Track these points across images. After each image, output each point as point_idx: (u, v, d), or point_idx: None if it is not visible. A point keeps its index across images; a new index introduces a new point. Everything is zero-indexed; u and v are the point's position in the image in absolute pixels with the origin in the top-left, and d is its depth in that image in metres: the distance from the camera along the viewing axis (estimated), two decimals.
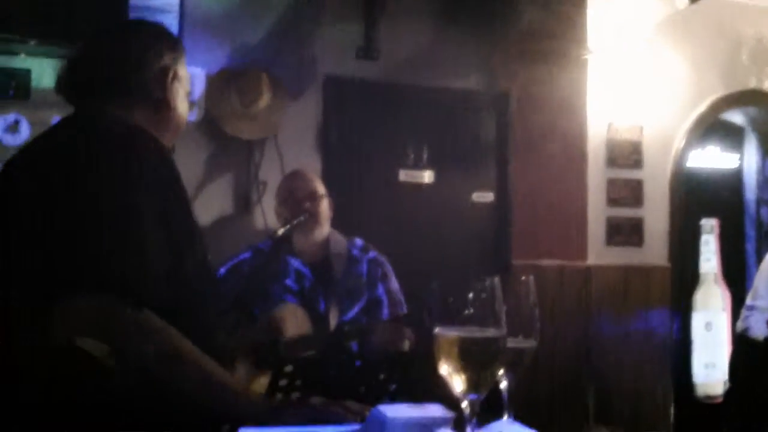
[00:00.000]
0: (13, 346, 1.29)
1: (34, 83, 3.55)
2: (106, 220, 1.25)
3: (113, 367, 1.20)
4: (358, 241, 2.94)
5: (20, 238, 1.31)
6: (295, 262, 2.79)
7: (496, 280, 1.02)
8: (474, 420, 1.03)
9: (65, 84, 1.54)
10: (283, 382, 1.92)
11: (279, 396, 1.80)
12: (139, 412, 1.22)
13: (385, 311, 2.83)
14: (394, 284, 2.91)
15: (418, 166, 4.14)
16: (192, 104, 1.73)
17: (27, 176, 1.37)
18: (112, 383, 1.21)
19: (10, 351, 1.31)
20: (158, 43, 1.57)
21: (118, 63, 1.52)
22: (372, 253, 2.91)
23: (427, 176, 4.16)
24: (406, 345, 2.59)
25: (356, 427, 1.22)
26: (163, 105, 1.55)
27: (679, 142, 4.59)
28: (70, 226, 1.25)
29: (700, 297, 4.88)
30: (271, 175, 3.75)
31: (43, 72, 3.56)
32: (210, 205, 3.64)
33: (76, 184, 1.28)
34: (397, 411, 1.17)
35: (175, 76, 1.57)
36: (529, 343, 1.22)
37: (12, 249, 1.32)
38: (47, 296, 1.21)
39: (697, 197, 4.95)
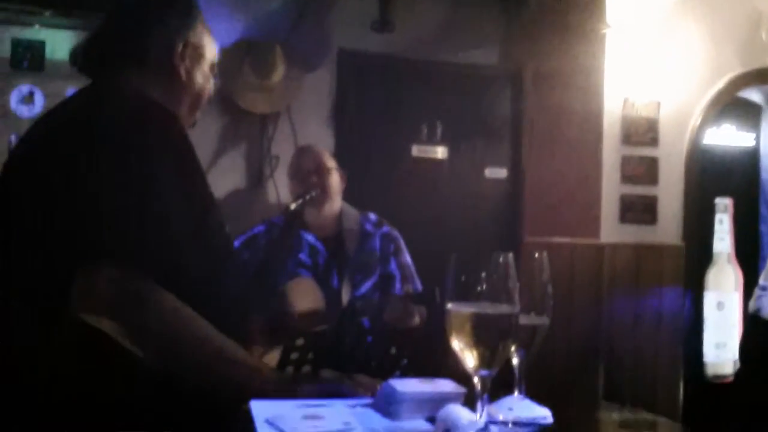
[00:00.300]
0: (32, 327, 1.29)
1: (48, 54, 3.56)
2: (122, 192, 1.24)
3: (134, 350, 1.19)
4: (372, 216, 2.94)
5: (36, 211, 1.30)
6: (308, 237, 2.80)
7: (510, 256, 1.01)
8: (485, 396, 1.03)
9: (81, 55, 1.52)
10: (294, 356, 1.93)
11: (290, 369, 1.81)
12: (153, 390, 1.22)
13: (398, 286, 2.84)
14: (407, 259, 2.91)
15: (431, 141, 4.12)
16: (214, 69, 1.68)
17: (42, 148, 1.37)
18: (136, 366, 1.20)
19: (29, 333, 1.30)
20: (174, 13, 1.54)
21: (132, 33, 1.50)
22: (385, 228, 2.91)
23: (441, 152, 4.15)
24: (417, 321, 2.59)
25: (367, 401, 1.23)
26: (174, 75, 1.52)
27: (695, 119, 4.55)
28: (85, 198, 1.24)
29: (712, 276, 4.85)
30: (284, 149, 3.75)
31: (58, 43, 3.56)
32: (223, 178, 3.65)
33: (91, 156, 1.27)
34: (407, 385, 1.17)
35: (189, 46, 1.54)
36: (542, 320, 1.22)
37: (28, 222, 1.32)
38: (63, 271, 1.20)
39: (712, 176, 4.90)
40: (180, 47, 1.52)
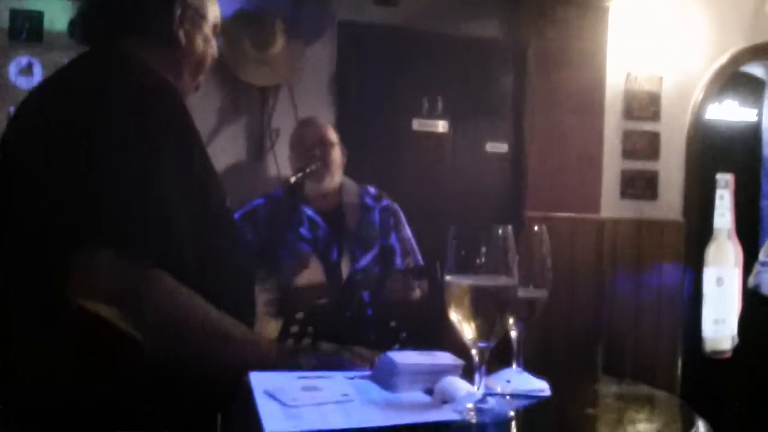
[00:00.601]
0: (29, 313, 1.27)
1: (46, 25, 3.53)
2: (118, 172, 1.20)
3: (133, 333, 1.18)
4: (371, 189, 2.93)
5: (29, 188, 1.27)
6: (308, 211, 2.80)
7: (509, 229, 1.01)
8: (483, 368, 1.03)
9: (78, 24, 1.47)
10: (294, 329, 1.93)
11: (290, 342, 1.82)
12: (153, 366, 1.21)
13: (398, 260, 2.84)
14: (407, 233, 2.91)
15: (432, 115, 4.10)
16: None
17: (36, 122, 1.33)
18: (136, 347, 1.19)
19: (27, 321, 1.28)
20: None
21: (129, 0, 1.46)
22: (385, 202, 2.91)
23: (441, 126, 4.13)
24: (418, 294, 2.60)
25: (365, 372, 1.23)
26: (173, 42, 1.47)
27: (697, 94, 4.52)
28: (79, 175, 1.20)
29: (712, 252, 4.85)
30: (284, 122, 3.73)
31: (56, 14, 3.53)
32: (223, 152, 3.63)
33: (86, 130, 1.23)
34: (406, 357, 1.17)
35: (189, 9, 1.49)
36: (541, 293, 1.22)
37: (20, 200, 1.29)
38: (59, 256, 1.17)
39: (714, 151, 4.89)
40: (178, 12, 1.47)
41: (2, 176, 1.34)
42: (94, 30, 1.47)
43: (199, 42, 1.52)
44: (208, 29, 1.55)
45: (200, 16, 1.52)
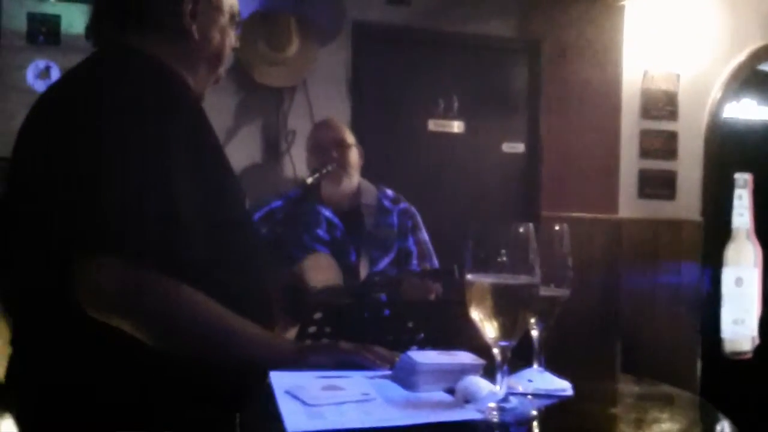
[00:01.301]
0: (41, 316, 1.26)
1: (64, 29, 3.56)
2: (127, 176, 1.17)
3: (144, 340, 1.16)
4: (389, 192, 2.93)
5: (39, 191, 1.24)
6: (326, 212, 2.79)
7: (530, 227, 1.01)
8: (505, 367, 1.02)
9: (91, 22, 1.44)
10: (312, 330, 1.93)
11: (308, 342, 1.81)
12: (170, 370, 1.20)
13: (415, 263, 2.83)
14: (424, 236, 2.90)
15: (447, 115, 4.10)
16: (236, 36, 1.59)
17: (44, 124, 1.31)
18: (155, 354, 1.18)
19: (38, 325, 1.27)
20: None
21: None
22: (403, 204, 2.90)
23: (457, 126, 4.12)
24: (434, 296, 2.60)
25: (386, 372, 1.22)
26: (186, 36, 1.43)
27: (715, 93, 4.49)
28: (90, 176, 1.16)
29: (731, 252, 4.80)
30: (300, 123, 3.74)
31: (73, 17, 3.55)
32: (238, 153, 3.64)
33: (95, 132, 1.20)
34: (426, 357, 1.17)
35: (201, 4, 1.44)
36: (562, 292, 1.21)
37: (29, 204, 1.26)
38: (63, 265, 1.14)
39: (732, 150, 4.84)
40: (189, 6, 1.43)
41: (13, 179, 1.33)
42: (107, 28, 1.44)
43: (215, 35, 1.48)
44: (224, 20, 1.51)
45: (214, 8, 1.48)
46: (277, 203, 2.82)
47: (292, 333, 2.00)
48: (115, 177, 1.16)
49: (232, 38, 1.55)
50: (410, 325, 2.32)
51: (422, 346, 2.33)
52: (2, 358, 1.32)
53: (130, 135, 1.20)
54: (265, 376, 1.16)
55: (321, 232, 2.76)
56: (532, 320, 1.18)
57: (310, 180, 2.66)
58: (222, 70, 1.55)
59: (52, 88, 1.38)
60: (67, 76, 1.37)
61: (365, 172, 2.98)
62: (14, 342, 1.33)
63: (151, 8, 1.41)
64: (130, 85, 1.26)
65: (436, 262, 2.89)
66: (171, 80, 1.36)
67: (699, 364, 4.47)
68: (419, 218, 2.91)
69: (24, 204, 1.28)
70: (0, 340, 1.35)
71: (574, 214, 4.11)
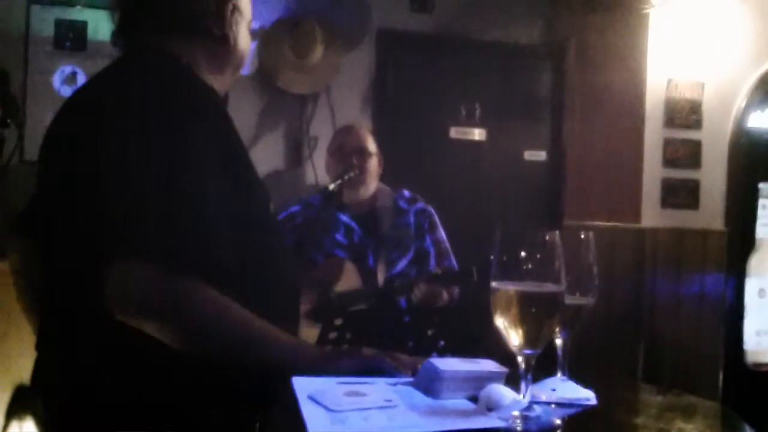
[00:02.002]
0: (71, 319, 1.27)
1: (90, 35, 3.60)
2: (156, 182, 1.17)
3: (173, 344, 1.17)
4: (406, 192, 2.93)
5: (66, 192, 1.25)
6: (343, 217, 2.80)
7: (556, 234, 1.00)
8: (529, 375, 1.02)
9: (120, 21, 1.44)
10: (332, 335, 1.94)
11: (329, 348, 1.81)
12: (195, 374, 1.21)
13: (432, 262, 2.83)
14: (442, 235, 2.90)
15: (469, 123, 4.09)
16: (253, 34, 1.61)
17: (75, 123, 1.32)
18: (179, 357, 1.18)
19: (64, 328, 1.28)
20: None
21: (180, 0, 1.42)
22: (419, 204, 2.90)
23: (478, 133, 4.11)
24: (446, 299, 2.60)
25: (408, 379, 1.22)
26: (222, 42, 1.45)
27: (740, 101, 4.45)
28: (117, 180, 1.17)
29: (755, 263, 4.76)
30: (322, 129, 3.75)
31: (99, 24, 3.59)
32: (261, 158, 3.66)
33: (125, 132, 1.20)
34: (449, 364, 1.16)
35: (236, 8, 1.46)
36: (587, 300, 1.20)
37: (59, 209, 1.27)
38: (95, 270, 1.14)
39: (757, 160, 4.79)
40: (230, 12, 1.45)
41: (41, 182, 1.34)
42: (136, 31, 1.44)
43: (242, 41, 1.50)
44: (247, 27, 1.53)
45: (241, 14, 1.49)
46: (296, 208, 2.84)
47: (311, 336, 2.01)
48: (141, 181, 1.17)
49: (248, 44, 1.56)
50: (430, 332, 2.32)
51: (442, 353, 2.33)
52: (28, 361, 1.33)
53: (157, 138, 1.20)
54: (288, 380, 1.16)
55: (339, 236, 2.77)
56: (557, 329, 1.18)
57: (332, 186, 2.67)
58: (238, 73, 1.57)
59: (80, 91, 1.39)
60: (95, 80, 1.38)
61: (386, 179, 2.98)
62: (39, 346, 1.34)
63: (191, 12, 1.42)
64: (159, 88, 1.27)
65: (454, 262, 2.89)
66: (198, 83, 1.36)
67: (721, 375, 4.42)
68: (436, 218, 2.91)
69: (52, 207, 1.29)
70: (25, 344, 1.37)
71: (597, 223, 4.09)
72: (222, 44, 1.45)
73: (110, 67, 1.38)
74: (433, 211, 2.92)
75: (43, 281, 1.33)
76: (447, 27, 3.98)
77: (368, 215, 2.84)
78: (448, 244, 2.90)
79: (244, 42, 1.51)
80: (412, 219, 2.86)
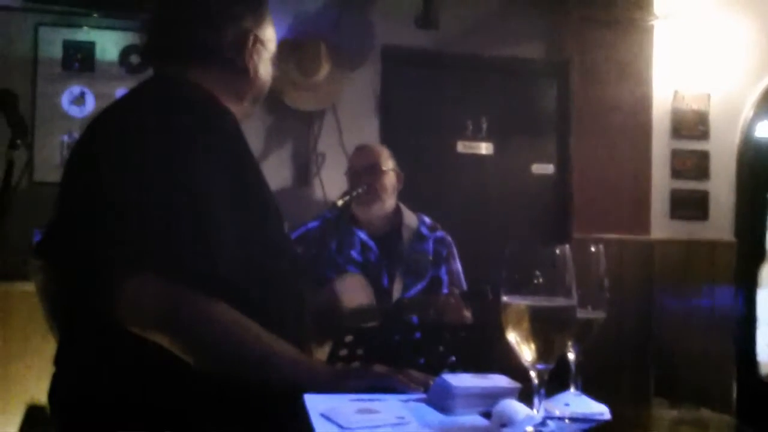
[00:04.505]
0: (84, 330, 1.28)
1: (98, 56, 3.63)
2: (172, 194, 1.19)
3: (184, 357, 1.18)
4: (427, 219, 2.92)
5: (81, 210, 1.28)
6: (361, 234, 2.80)
7: (567, 249, 1.00)
8: (542, 390, 1.01)
9: (143, 48, 1.48)
10: (343, 352, 1.93)
11: (340, 365, 1.81)
12: (207, 390, 1.21)
13: (445, 291, 2.82)
14: (458, 266, 2.89)
15: (476, 137, 4.10)
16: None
17: (91, 148, 1.34)
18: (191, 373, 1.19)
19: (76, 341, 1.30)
20: (245, 8, 1.48)
21: (195, 26, 1.45)
22: (439, 233, 2.89)
23: (486, 148, 4.12)
24: (468, 316, 2.59)
25: (420, 395, 1.21)
26: (242, 71, 1.47)
27: (747, 111, 4.45)
28: (129, 197, 1.20)
29: (766, 273, 4.74)
30: (329, 146, 3.76)
31: (107, 45, 3.62)
32: (269, 176, 3.60)
33: (141, 154, 1.23)
34: (461, 380, 1.16)
35: (257, 40, 1.49)
36: (598, 314, 1.19)
37: (73, 222, 1.29)
38: (108, 283, 1.16)
39: (765, 169, 4.78)
40: (251, 43, 1.48)
41: (60, 200, 1.36)
42: (160, 56, 1.48)
43: (263, 72, 1.53)
44: (269, 59, 1.56)
45: (265, 47, 1.53)
46: (314, 224, 2.84)
47: (322, 352, 2.00)
48: (153, 198, 1.19)
49: (270, 77, 1.59)
50: (441, 348, 2.31)
51: (453, 369, 2.31)
52: (44, 384, 1.35)
53: (169, 158, 1.22)
54: (300, 397, 1.16)
55: (355, 253, 2.77)
56: (569, 343, 1.17)
57: (340, 202, 2.68)
58: (257, 104, 1.60)
59: (101, 115, 1.41)
60: (115, 104, 1.42)
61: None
62: (57, 360, 1.35)
63: (213, 42, 1.45)
64: (173, 112, 1.29)
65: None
66: (215, 106, 1.38)
67: (735, 387, 4.39)
68: (454, 248, 2.91)
69: (69, 225, 1.31)
70: (42, 366, 1.38)
71: (606, 236, 4.08)
72: (242, 75, 1.48)
73: (130, 94, 1.42)
74: (451, 241, 2.91)
75: (62, 299, 1.34)
76: (452, 44, 3.99)
77: (387, 236, 2.84)
78: (462, 276, 2.89)
79: (265, 73, 1.54)
80: (431, 246, 2.86)
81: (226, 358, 1.21)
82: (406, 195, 3.06)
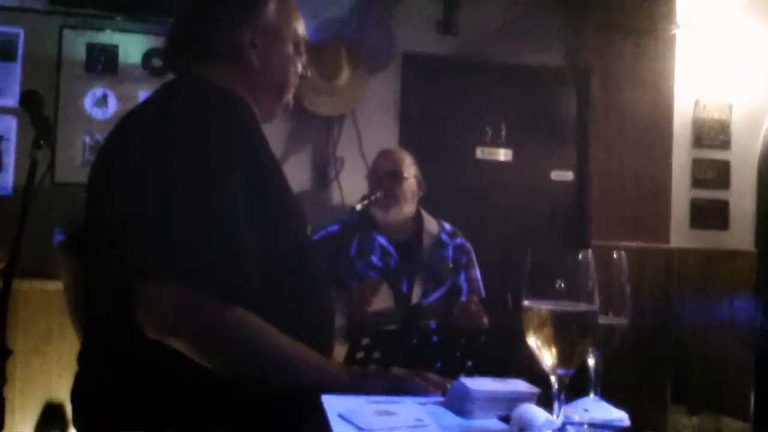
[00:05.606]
0: (106, 333, 1.29)
1: (120, 58, 3.66)
2: (189, 205, 1.18)
3: (203, 362, 1.18)
4: (447, 226, 2.92)
5: (104, 214, 1.28)
6: (381, 239, 2.80)
7: (589, 253, 0.99)
8: (562, 395, 1.01)
9: (164, 50, 1.49)
10: (360, 355, 1.93)
11: (357, 367, 1.81)
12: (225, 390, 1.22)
13: (464, 299, 2.81)
14: (477, 274, 2.89)
15: (495, 143, 4.09)
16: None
17: (116, 148, 1.35)
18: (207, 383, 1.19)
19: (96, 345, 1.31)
20: (237, 2, 1.47)
21: (198, 29, 1.46)
22: (459, 240, 2.89)
23: (504, 154, 4.11)
24: (486, 322, 2.58)
25: (438, 398, 1.21)
26: (248, 66, 1.46)
27: None
28: (149, 202, 1.19)
29: None
30: (348, 151, 3.77)
31: (129, 48, 3.65)
32: (289, 180, 3.67)
33: (162, 157, 1.22)
34: (480, 384, 1.15)
35: (260, 31, 1.47)
36: (620, 321, 1.19)
37: (97, 226, 1.30)
38: (127, 289, 1.16)
39: None
40: (249, 36, 1.46)
41: (88, 205, 1.37)
42: (177, 58, 1.49)
43: (277, 63, 1.50)
44: (287, 50, 1.52)
45: (275, 37, 1.50)
46: (334, 228, 2.85)
47: (338, 354, 2.01)
48: (173, 203, 1.18)
49: (298, 66, 1.56)
50: (458, 353, 2.30)
51: (471, 373, 2.31)
52: (66, 381, 1.36)
53: (190, 162, 1.21)
54: (318, 399, 1.16)
55: (374, 258, 2.77)
56: (590, 348, 1.17)
57: (358, 206, 2.69)
58: (289, 96, 1.57)
59: (127, 117, 1.41)
60: (142, 106, 1.42)
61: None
62: (81, 359, 1.36)
63: (213, 39, 1.45)
64: (198, 114, 1.28)
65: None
66: (235, 108, 1.37)
67: (753, 397, 4.35)
68: (474, 256, 2.90)
69: (94, 229, 1.32)
70: (63, 364, 1.39)
71: (625, 243, 4.05)
72: (246, 68, 1.47)
73: (153, 97, 1.41)
74: (471, 248, 2.91)
75: (87, 299, 1.36)
76: (472, 50, 3.99)
77: (407, 242, 2.84)
78: (481, 284, 2.88)
79: (282, 61, 1.51)
80: (450, 253, 2.86)
81: (246, 363, 1.21)
82: (424, 200, 3.06)
